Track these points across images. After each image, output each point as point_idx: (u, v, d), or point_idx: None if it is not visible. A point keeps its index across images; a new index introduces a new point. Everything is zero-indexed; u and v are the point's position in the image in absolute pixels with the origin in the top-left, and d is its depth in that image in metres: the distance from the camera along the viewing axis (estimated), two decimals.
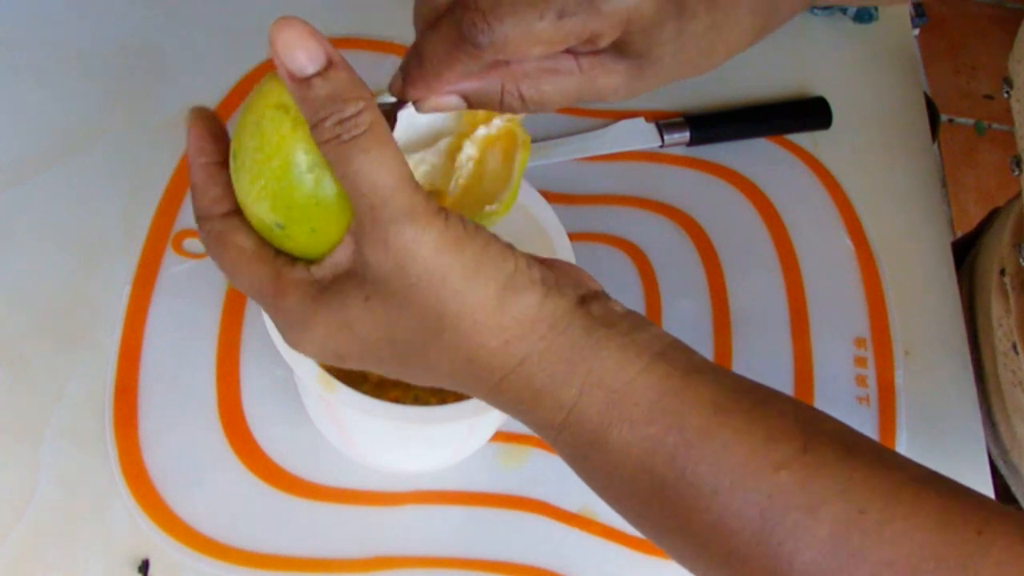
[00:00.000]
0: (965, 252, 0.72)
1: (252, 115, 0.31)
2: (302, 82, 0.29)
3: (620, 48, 0.35)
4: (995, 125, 1.86)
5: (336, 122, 0.29)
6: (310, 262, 0.32)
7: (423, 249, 0.29)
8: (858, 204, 0.66)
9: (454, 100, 0.35)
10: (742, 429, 0.31)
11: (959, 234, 1.57)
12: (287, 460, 0.51)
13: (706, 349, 0.59)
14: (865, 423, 0.58)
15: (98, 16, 0.64)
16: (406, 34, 0.66)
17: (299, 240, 0.31)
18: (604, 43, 0.34)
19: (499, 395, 0.32)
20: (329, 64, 0.29)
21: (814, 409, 0.33)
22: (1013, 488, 0.63)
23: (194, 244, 0.56)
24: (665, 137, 0.66)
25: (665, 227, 0.63)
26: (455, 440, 0.49)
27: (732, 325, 0.60)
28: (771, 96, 0.70)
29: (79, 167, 0.58)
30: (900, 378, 0.60)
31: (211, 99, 0.62)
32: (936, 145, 0.70)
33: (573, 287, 0.33)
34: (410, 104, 0.35)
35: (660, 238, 0.62)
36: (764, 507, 0.30)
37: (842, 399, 0.59)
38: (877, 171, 0.69)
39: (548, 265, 0.33)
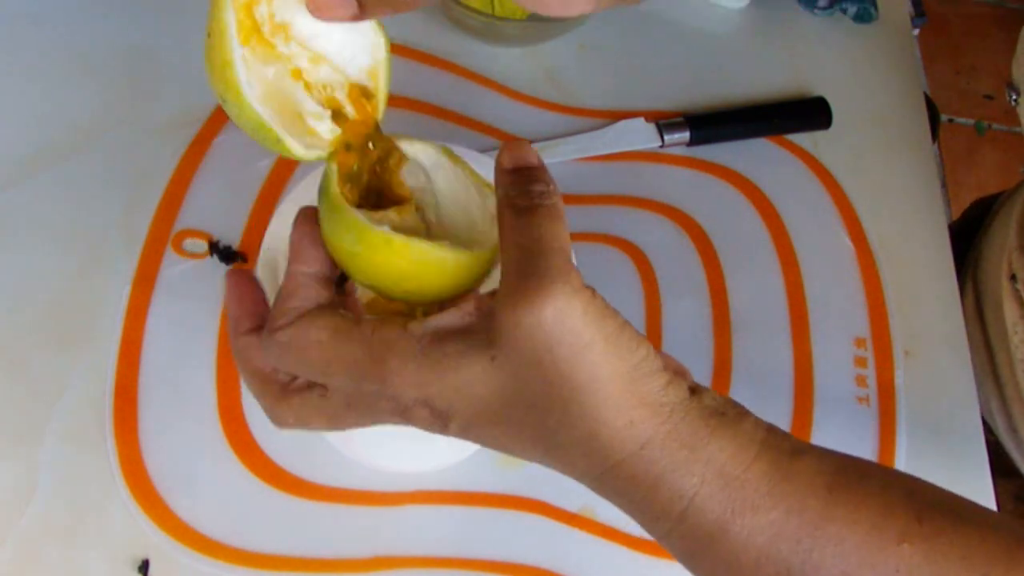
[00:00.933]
0: (961, 247, 0.72)
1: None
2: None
3: None
4: (995, 125, 1.86)
5: (540, 192, 0.31)
6: (404, 320, 0.32)
7: (573, 313, 0.29)
8: (858, 204, 0.67)
9: (351, 8, 0.35)
10: (858, 506, 0.30)
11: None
12: (287, 460, 0.51)
13: (706, 349, 0.59)
14: (865, 423, 0.58)
15: (98, 16, 0.64)
16: (404, 33, 0.67)
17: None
18: None
19: (613, 479, 0.31)
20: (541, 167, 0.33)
21: (916, 478, 0.33)
22: None
23: (194, 244, 0.57)
24: (665, 137, 0.66)
25: (665, 227, 0.63)
26: (455, 440, 0.49)
27: (732, 325, 0.60)
28: (771, 96, 0.70)
29: (79, 167, 0.58)
30: (900, 378, 0.60)
31: (211, 99, 0.62)
32: (936, 145, 0.70)
33: (684, 377, 0.32)
34: None
35: (660, 238, 0.62)
36: None
37: (842, 399, 0.59)
38: (877, 171, 0.69)
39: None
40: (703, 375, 0.58)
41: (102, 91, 0.61)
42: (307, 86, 0.35)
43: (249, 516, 0.49)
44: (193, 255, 0.56)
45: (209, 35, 0.32)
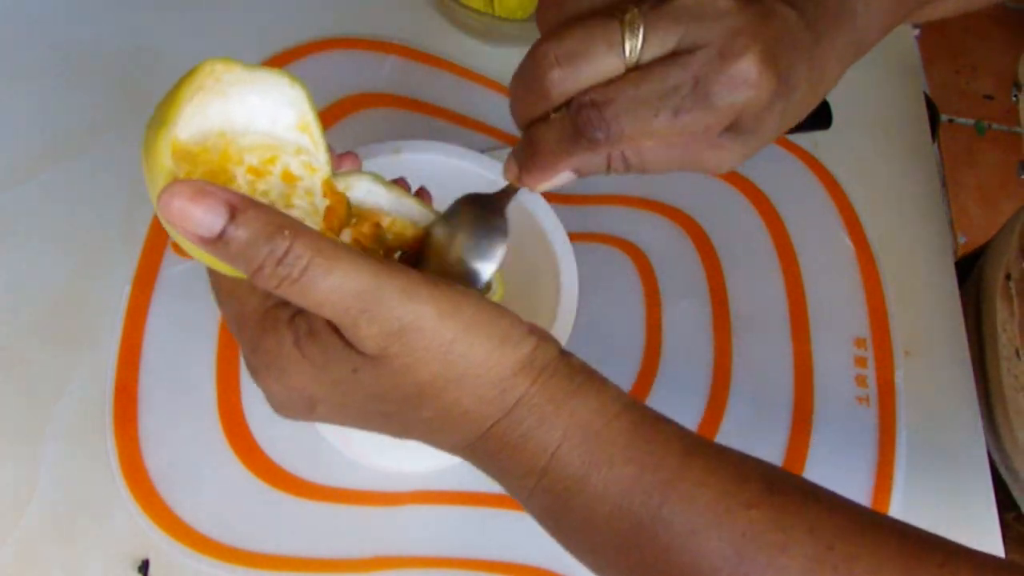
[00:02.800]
0: (972, 266, 0.72)
1: None
2: (217, 241, 0.28)
3: (728, 128, 0.35)
4: (995, 125, 1.86)
5: (275, 264, 0.28)
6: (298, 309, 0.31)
7: (425, 322, 0.29)
8: (858, 204, 0.67)
9: (566, 176, 0.36)
10: (712, 470, 0.32)
11: (960, 235, 1.58)
12: (287, 460, 0.51)
13: (706, 349, 0.59)
14: (865, 423, 0.58)
15: (98, 17, 0.64)
16: (404, 33, 0.67)
17: None
18: (715, 133, 0.35)
19: (484, 444, 0.32)
20: (233, 210, 0.28)
21: (771, 463, 0.34)
22: (1014, 492, 0.63)
23: None
24: None
25: (665, 227, 0.63)
26: None
27: (732, 325, 0.60)
28: None
29: (79, 167, 0.58)
30: (900, 378, 0.60)
31: None
32: (936, 145, 0.70)
33: (553, 340, 0.33)
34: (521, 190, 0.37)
35: (660, 238, 0.62)
36: (739, 546, 0.31)
37: (842, 399, 0.59)
38: (877, 171, 0.69)
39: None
40: (703, 375, 0.58)
41: (102, 92, 0.61)
42: (287, 197, 0.34)
43: (249, 516, 0.49)
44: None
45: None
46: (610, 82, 0.33)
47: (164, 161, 0.30)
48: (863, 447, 0.57)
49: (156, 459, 0.50)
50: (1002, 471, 0.63)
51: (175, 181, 0.28)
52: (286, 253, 0.28)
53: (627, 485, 0.31)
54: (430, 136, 0.47)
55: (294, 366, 0.31)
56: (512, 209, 0.38)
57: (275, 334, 0.31)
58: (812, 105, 0.38)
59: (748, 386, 0.58)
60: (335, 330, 0.30)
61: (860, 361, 0.60)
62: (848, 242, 0.65)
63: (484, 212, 0.38)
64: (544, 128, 0.35)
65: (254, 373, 0.32)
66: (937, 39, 1.96)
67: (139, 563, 0.47)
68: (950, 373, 0.61)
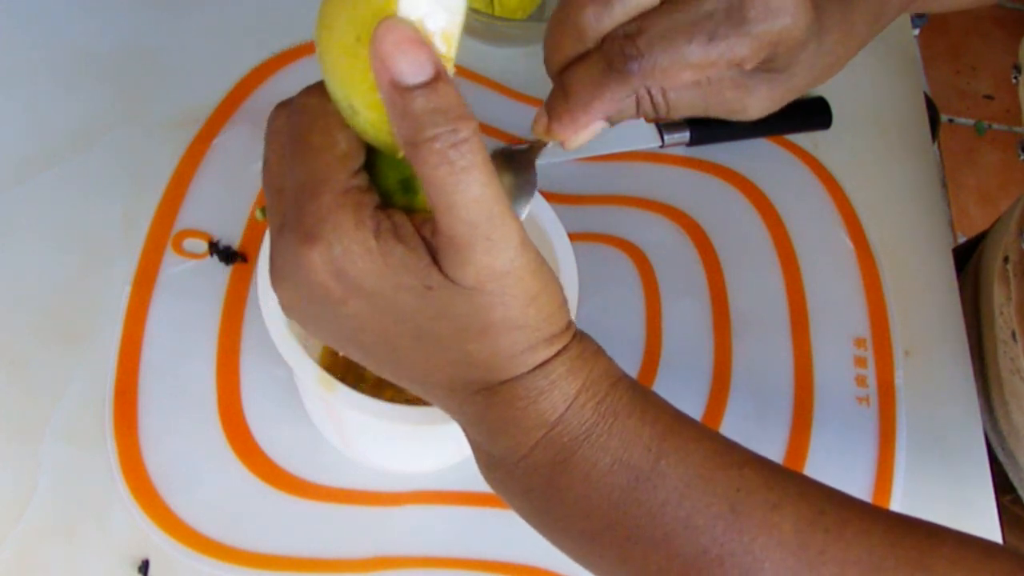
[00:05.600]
0: (971, 254, 0.72)
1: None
2: (407, 92, 0.26)
3: (759, 66, 0.35)
4: (995, 125, 1.86)
5: (449, 144, 0.27)
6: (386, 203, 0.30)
7: (526, 273, 0.29)
8: (858, 204, 0.67)
9: (599, 125, 0.35)
10: (702, 433, 0.33)
11: (960, 235, 1.58)
12: (287, 460, 0.51)
13: (706, 349, 0.59)
14: (865, 423, 0.58)
15: (98, 16, 0.64)
16: None
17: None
18: (750, 66, 0.34)
19: (511, 386, 0.31)
20: (439, 74, 0.27)
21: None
22: (1010, 475, 0.63)
23: (194, 244, 0.57)
24: (665, 137, 0.66)
25: (665, 227, 0.63)
26: (454, 440, 0.49)
27: (732, 325, 0.60)
28: None
29: (80, 167, 0.58)
30: (900, 378, 0.60)
31: (211, 99, 0.62)
32: (936, 145, 0.70)
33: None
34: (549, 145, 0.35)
35: (660, 238, 0.62)
36: (733, 501, 0.31)
37: (842, 399, 0.59)
38: (877, 171, 0.69)
39: None
40: (703, 375, 0.58)
41: (102, 91, 0.61)
42: None
43: (249, 516, 0.49)
44: (193, 255, 0.56)
45: (358, 40, 0.28)
46: (645, 15, 0.33)
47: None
48: (863, 447, 0.57)
49: (156, 459, 0.50)
50: (998, 453, 0.63)
51: (395, 18, 0.26)
52: (464, 140, 0.27)
53: (628, 437, 0.32)
54: None
55: (361, 251, 0.28)
56: None
57: (355, 213, 0.29)
58: (842, 59, 0.38)
59: (748, 386, 0.58)
60: (424, 242, 0.29)
61: (860, 361, 0.60)
62: (848, 242, 0.65)
63: (512, 166, 0.37)
64: (576, 68, 0.34)
65: (301, 241, 0.29)
66: (937, 39, 1.96)
67: (139, 563, 0.47)
68: (950, 373, 0.61)
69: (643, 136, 0.66)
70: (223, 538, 0.48)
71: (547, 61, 0.35)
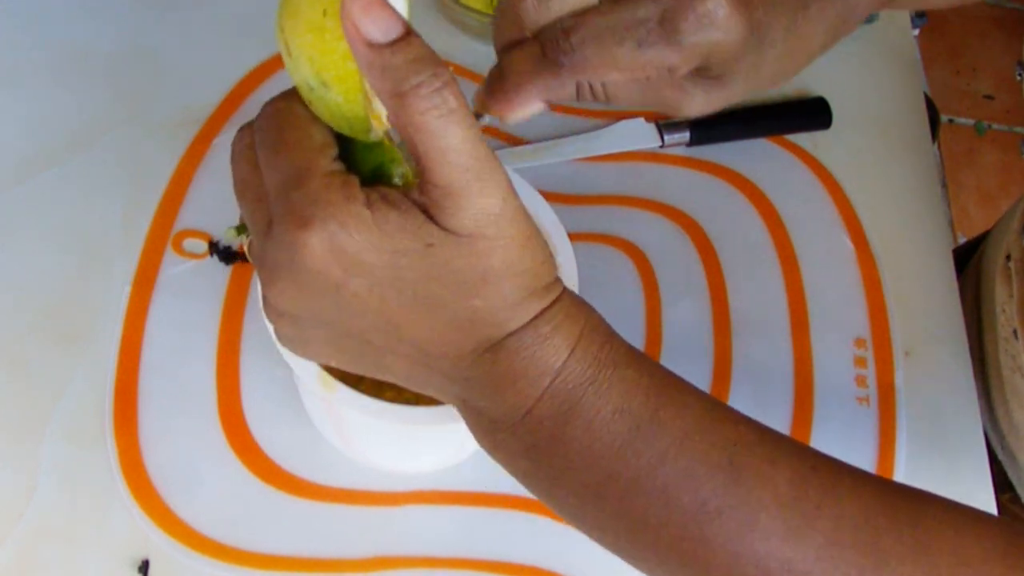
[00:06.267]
0: (972, 254, 0.72)
1: None
2: (384, 49, 0.27)
3: (694, 72, 0.35)
4: (995, 125, 1.86)
5: (434, 89, 0.27)
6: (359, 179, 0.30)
7: (519, 214, 0.30)
8: (858, 204, 0.66)
9: (536, 106, 0.36)
10: (696, 391, 0.33)
11: (960, 235, 1.58)
12: (287, 460, 0.51)
13: (706, 349, 0.59)
14: (865, 423, 0.58)
15: (99, 17, 0.64)
16: None
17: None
18: (681, 73, 0.35)
19: (517, 338, 0.31)
20: (408, 31, 0.28)
21: None
22: (1009, 473, 0.63)
23: (194, 244, 0.57)
24: (665, 137, 0.66)
25: (665, 227, 0.63)
26: (454, 440, 0.49)
27: (732, 325, 0.60)
28: (771, 96, 0.70)
29: (79, 167, 0.58)
30: (900, 378, 0.60)
31: (211, 99, 0.62)
32: (936, 145, 0.70)
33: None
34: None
35: (660, 238, 0.62)
36: (731, 453, 0.32)
37: (842, 399, 0.58)
38: (877, 171, 0.69)
39: None
40: (703, 375, 0.58)
41: (102, 91, 0.61)
42: None
43: (249, 516, 0.49)
44: (193, 255, 0.56)
45: (324, 14, 0.29)
46: (583, 12, 0.34)
47: None
48: (863, 447, 0.57)
49: (156, 459, 0.50)
50: (998, 451, 0.63)
51: None
52: (446, 84, 0.28)
53: (628, 387, 0.32)
54: None
55: (356, 223, 0.29)
56: None
57: (344, 189, 0.29)
58: (790, 70, 0.38)
59: (748, 386, 0.58)
60: (415, 203, 0.29)
61: (860, 361, 0.60)
62: (848, 242, 0.65)
63: None
64: (514, 52, 0.35)
65: (296, 227, 0.29)
66: (937, 39, 1.96)
67: (139, 563, 0.47)
68: (950, 373, 0.61)
69: (643, 136, 0.66)
70: (223, 538, 0.48)
71: (494, 39, 0.37)
